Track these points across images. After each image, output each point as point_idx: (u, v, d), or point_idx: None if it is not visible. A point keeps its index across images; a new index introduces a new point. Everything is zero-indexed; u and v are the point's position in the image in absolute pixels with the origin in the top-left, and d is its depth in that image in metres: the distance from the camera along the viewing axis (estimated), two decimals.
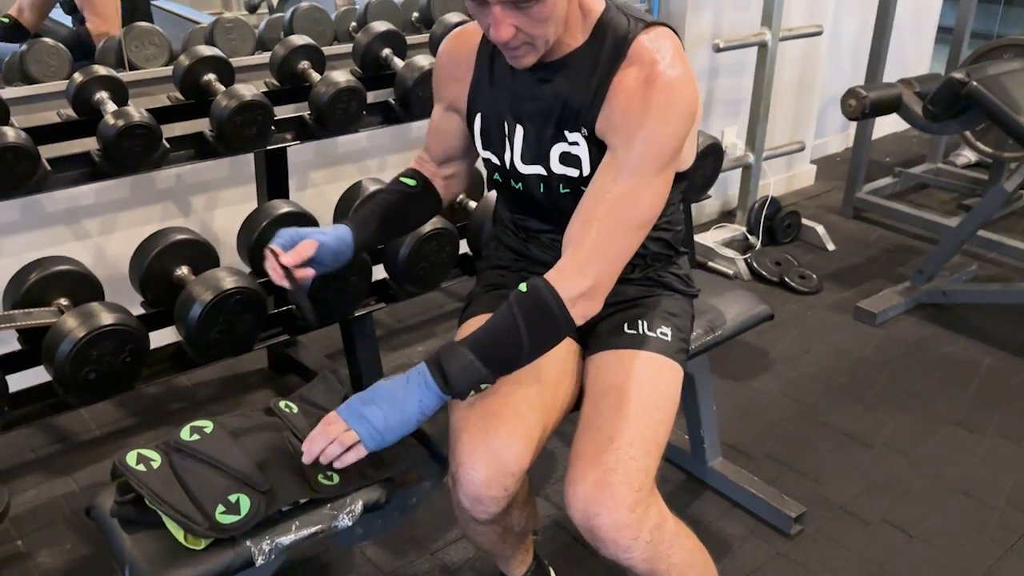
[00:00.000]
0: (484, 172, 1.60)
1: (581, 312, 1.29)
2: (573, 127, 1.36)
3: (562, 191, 1.42)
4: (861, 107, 2.80)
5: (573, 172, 1.39)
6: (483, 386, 1.28)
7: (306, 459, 1.26)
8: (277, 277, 1.40)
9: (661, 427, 1.41)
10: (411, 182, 1.59)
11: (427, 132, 1.62)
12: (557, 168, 1.40)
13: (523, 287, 1.28)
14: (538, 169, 1.42)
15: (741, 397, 2.52)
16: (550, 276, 1.28)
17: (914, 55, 4.56)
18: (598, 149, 1.35)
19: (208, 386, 2.57)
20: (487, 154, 1.49)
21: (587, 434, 1.37)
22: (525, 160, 1.43)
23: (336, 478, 1.34)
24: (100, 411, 2.42)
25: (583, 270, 1.28)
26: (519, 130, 1.42)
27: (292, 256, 1.40)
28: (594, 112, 1.32)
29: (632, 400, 1.38)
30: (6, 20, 2.51)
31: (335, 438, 1.24)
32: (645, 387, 1.41)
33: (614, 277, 1.32)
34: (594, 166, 1.35)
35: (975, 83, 2.63)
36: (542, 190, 1.44)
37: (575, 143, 1.37)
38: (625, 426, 1.35)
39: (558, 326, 1.27)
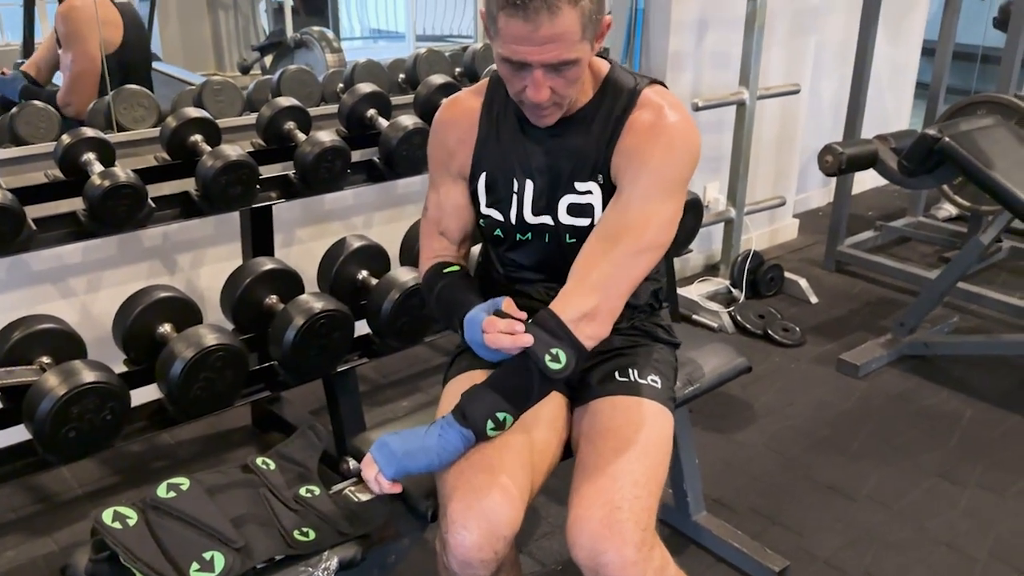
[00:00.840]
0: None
1: (586, 333, 1.33)
2: (586, 177, 1.42)
3: (568, 240, 1.46)
4: (838, 163, 2.85)
5: (583, 222, 1.44)
6: (501, 415, 1.33)
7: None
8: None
9: (659, 468, 1.42)
10: (455, 268, 1.53)
11: (435, 217, 1.57)
12: (564, 219, 1.45)
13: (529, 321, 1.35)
14: (546, 220, 1.47)
15: (725, 450, 2.52)
16: (553, 304, 1.35)
17: (893, 111, 4.66)
18: (611, 196, 1.41)
19: (191, 444, 2.56)
20: (489, 211, 1.51)
21: (589, 475, 1.38)
22: (535, 212, 1.47)
23: (312, 534, 1.34)
24: (81, 470, 2.41)
25: (586, 294, 1.34)
26: (528, 184, 1.46)
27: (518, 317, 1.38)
28: (608, 157, 1.40)
29: (632, 442, 1.40)
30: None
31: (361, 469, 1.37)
32: (642, 430, 1.43)
33: (622, 300, 1.37)
34: None
35: (947, 139, 2.69)
36: (548, 240, 1.48)
37: (587, 192, 1.43)
38: (628, 466, 1.36)
39: (560, 347, 1.32)
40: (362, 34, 6.22)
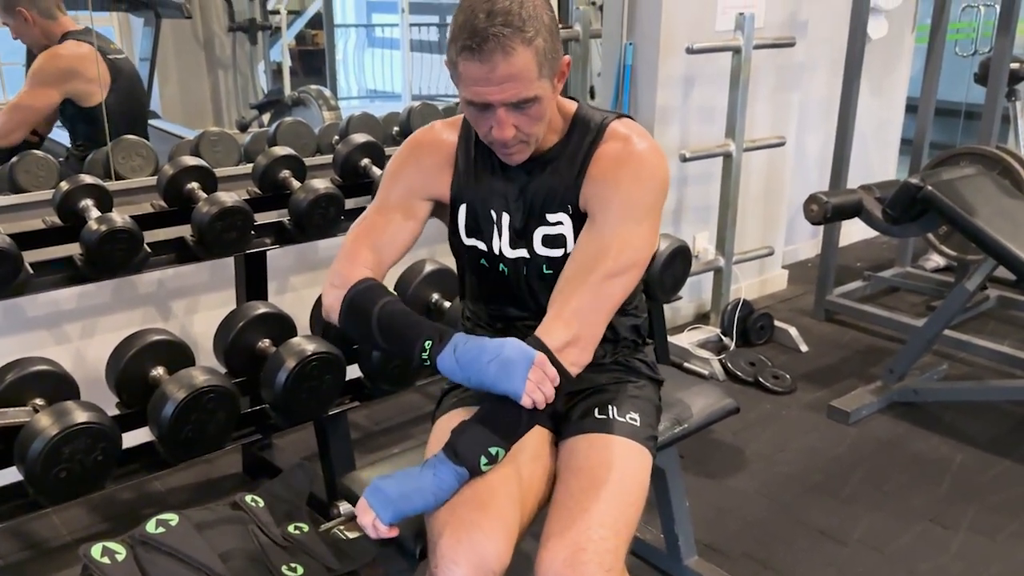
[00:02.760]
0: (455, 268, 1.65)
1: (571, 360, 1.36)
2: (555, 208, 1.46)
3: (546, 271, 1.49)
4: (823, 211, 2.91)
5: (557, 252, 1.48)
6: (493, 450, 1.34)
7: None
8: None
9: (631, 509, 1.42)
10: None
11: (372, 230, 1.51)
12: (540, 250, 1.49)
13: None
14: (522, 252, 1.50)
15: (716, 495, 2.52)
16: (537, 331, 1.37)
17: (879, 166, 4.74)
18: (582, 225, 1.45)
19: (181, 491, 2.55)
20: (472, 241, 1.54)
21: (557, 514, 1.39)
22: (512, 245, 1.50)
23: (300, 570, 1.34)
24: (71, 516, 2.40)
25: (568, 321, 1.37)
26: (505, 217, 1.49)
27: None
28: (578, 187, 1.44)
29: (601, 482, 1.41)
30: None
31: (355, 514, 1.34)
32: (614, 470, 1.44)
33: (601, 327, 1.40)
34: None
35: (929, 187, 2.75)
36: (526, 272, 1.51)
37: (558, 223, 1.47)
38: (594, 506, 1.37)
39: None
40: (359, 94, 6.35)
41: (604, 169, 1.42)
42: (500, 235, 1.51)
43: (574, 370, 1.37)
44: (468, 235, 1.54)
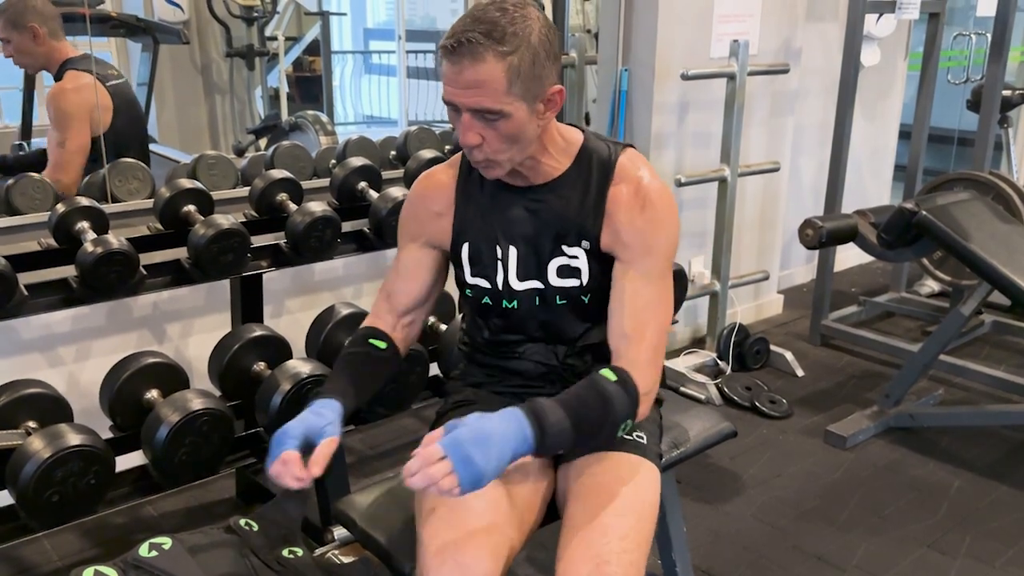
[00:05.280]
0: (455, 293, 1.65)
1: (643, 410, 1.40)
2: (573, 242, 1.47)
3: (559, 302, 1.50)
4: (818, 236, 2.92)
5: (573, 283, 1.48)
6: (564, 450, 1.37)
7: (408, 480, 1.20)
8: (296, 482, 1.28)
9: (647, 524, 1.41)
10: (381, 344, 1.53)
11: (388, 281, 1.60)
12: (555, 281, 1.49)
13: (610, 374, 1.36)
14: (535, 284, 1.50)
15: (713, 521, 2.51)
16: (625, 364, 1.39)
17: (873, 192, 4.77)
18: (598, 261, 1.47)
19: (174, 516, 2.53)
20: (476, 280, 1.53)
21: (575, 530, 1.37)
22: (520, 277, 1.50)
23: None
24: (63, 542, 2.37)
25: (647, 367, 1.40)
26: (512, 251, 1.49)
27: (319, 464, 1.31)
28: (596, 229, 1.45)
29: (619, 497, 1.40)
30: None
31: (437, 482, 1.19)
32: (629, 485, 1.43)
33: (659, 381, 1.44)
34: (592, 275, 1.48)
35: (924, 212, 2.76)
36: (538, 303, 1.50)
37: (575, 256, 1.48)
38: (615, 521, 1.36)
39: (632, 417, 1.38)
40: (356, 120, 6.39)
41: (629, 215, 1.44)
42: (507, 269, 1.50)
43: (642, 418, 1.42)
44: (472, 274, 1.53)
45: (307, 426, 1.34)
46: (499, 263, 1.50)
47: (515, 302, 1.51)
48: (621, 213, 1.44)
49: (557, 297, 1.49)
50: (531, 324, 1.54)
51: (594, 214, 1.45)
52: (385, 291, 1.60)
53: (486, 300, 1.54)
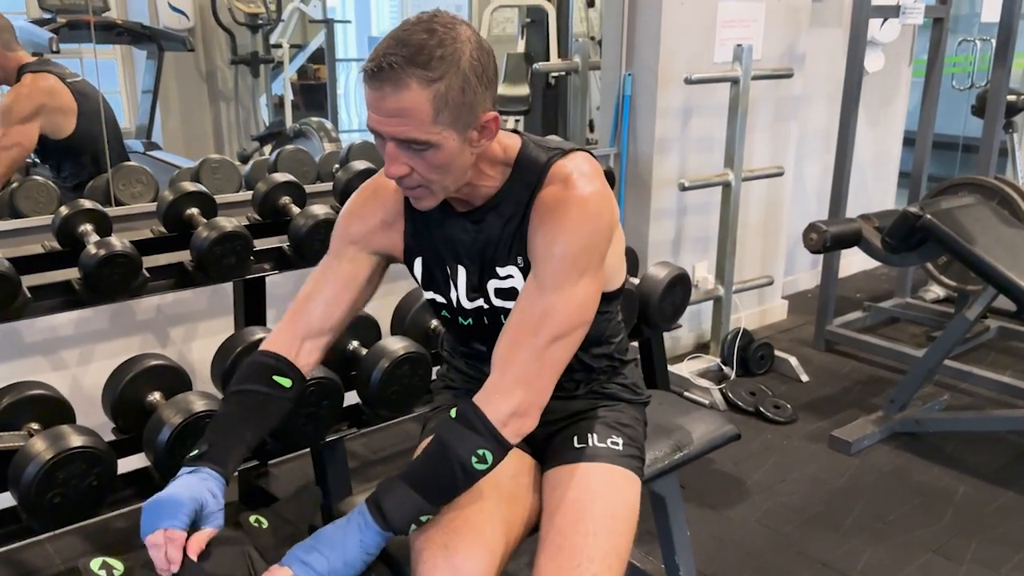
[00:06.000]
0: None
1: (513, 431, 1.29)
2: (504, 262, 1.39)
3: (503, 321, 1.41)
4: (822, 240, 2.91)
5: (511, 304, 1.39)
6: (424, 518, 1.29)
7: None
8: (165, 565, 1.22)
9: (622, 539, 1.39)
10: (286, 383, 1.42)
11: (303, 295, 1.48)
12: (496, 302, 1.43)
13: (452, 413, 1.30)
14: (480, 303, 1.45)
15: (717, 526, 2.49)
16: (478, 399, 1.29)
17: (878, 199, 4.76)
18: None
19: None
20: (431, 295, 1.49)
21: (547, 552, 1.36)
22: (469, 297, 1.45)
23: None
24: (65, 545, 2.37)
25: (511, 390, 1.29)
26: (460, 270, 1.43)
27: (196, 545, 1.26)
28: (523, 239, 1.35)
29: (589, 514, 1.38)
30: None
31: None
32: (600, 500, 1.40)
33: (547, 392, 1.32)
34: None
35: (929, 216, 2.76)
36: (487, 322, 1.46)
37: (508, 276, 1.40)
38: (584, 542, 1.34)
39: (486, 447, 1.27)
40: (360, 127, 6.40)
41: (543, 216, 1.31)
42: (456, 287, 1.45)
43: (515, 440, 1.30)
44: (426, 288, 1.49)
45: (199, 505, 1.27)
46: (450, 280, 1.45)
47: (469, 320, 1.47)
48: (538, 215, 1.32)
49: (502, 316, 1.41)
50: (487, 339, 1.46)
51: (520, 223, 1.34)
52: (296, 310, 1.46)
53: (444, 313, 1.50)
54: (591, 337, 1.42)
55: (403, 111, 1.18)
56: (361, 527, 1.27)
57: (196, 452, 1.34)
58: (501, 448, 1.29)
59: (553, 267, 1.30)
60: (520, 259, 1.37)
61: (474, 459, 1.27)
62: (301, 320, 1.46)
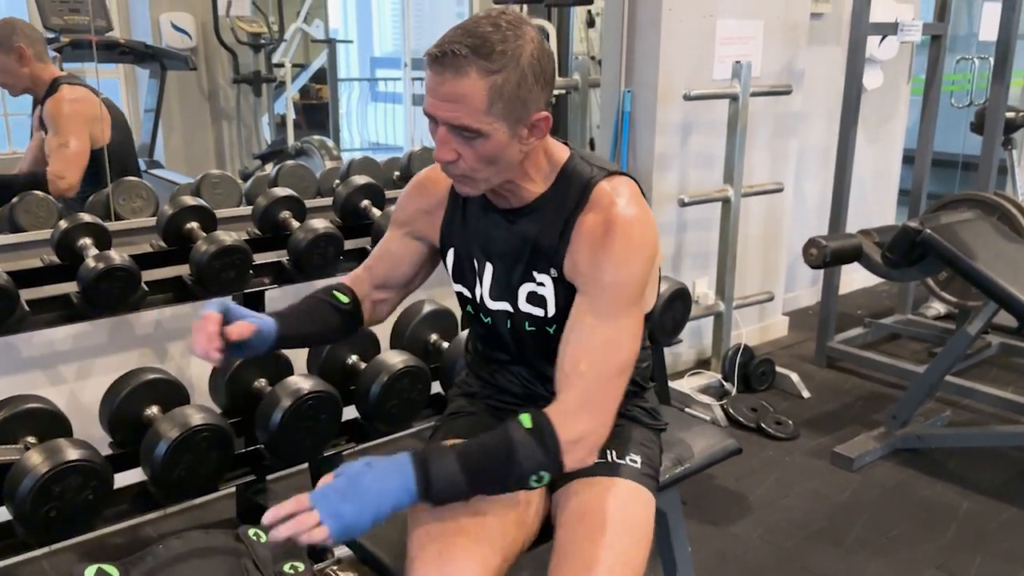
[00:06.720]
0: (458, 311, 1.64)
1: (574, 460, 1.28)
2: (542, 268, 1.41)
3: (527, 328, 1.45)
4: (822, 255, 2.91)
5: (539, 311, 1.43)
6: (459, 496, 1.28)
7: (271, 532, 1.19)
8: (211, 348, 1.30)
9: (637, 551, 1.39)
10: (344, 299, 1.53)
11: (373, 253, 1.62)
12: (524, 307, 1.44)
13: (527, 420, 1.27)
14: (505, 306, 1.46)
15: (720, 542, 2.47)
16: (552, 416, 1.28)
17: (878, 216, 4.76)
18: (564, 290, 1.39)
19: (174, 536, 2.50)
20: (459, 287, 1.52)
21: (564, 562, 1.35)
22: (493, 296, 1.47)
23: None
24: (61, 561, 2.35)
25: (579, 413, 1.28)
26: (488, 267, 1.46)
27: (236, 330, 1.34)
28: (561, 254, 1.37)
29: (607, 525, 1.37)
30: None
31: (304, 531, 1.17)
32: (618, 512, 1.40)
33: (608, 427, 1.32)
34: (559, 306, 1.40)
35: (929, 231, 2.75)
36: (508, 326, 1.47)
37: (542, 283, 1.42)
38: (602, 552, 1.34)
39: (547, 468, 1.27)
40: (361, 146, 6.43)
41: (591, 245, 1.34)
42: (482, 285, 1.47)
43: (573, 467, 1.29)
44: (455, 280, 1.52)
45: (232, 310, 1.37)
46: (477, 277, 1.48)
47: (489, 319, 1.49)
48: (583, 241, 1.35)
49: (526, 323, 1.44)
50: (505, 344, 1.51)
51: (561, 240, 1.37)
52: (367, 263, 1.60)
53: (469, 308, 1.53)
54: None
55: (459, 96, 1.23)
56: (400, 490, 1.22)
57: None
58: (558, 473, 1.28)
59: (607, 298, 1.32)
60: (555, 271, 1.39)
61: (533, 477, 1.27)
62: (370, 271, 1.59)
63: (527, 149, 1.32)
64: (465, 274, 1.50)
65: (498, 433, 1.27)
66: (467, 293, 1.51)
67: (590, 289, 1.34)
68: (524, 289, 1.43)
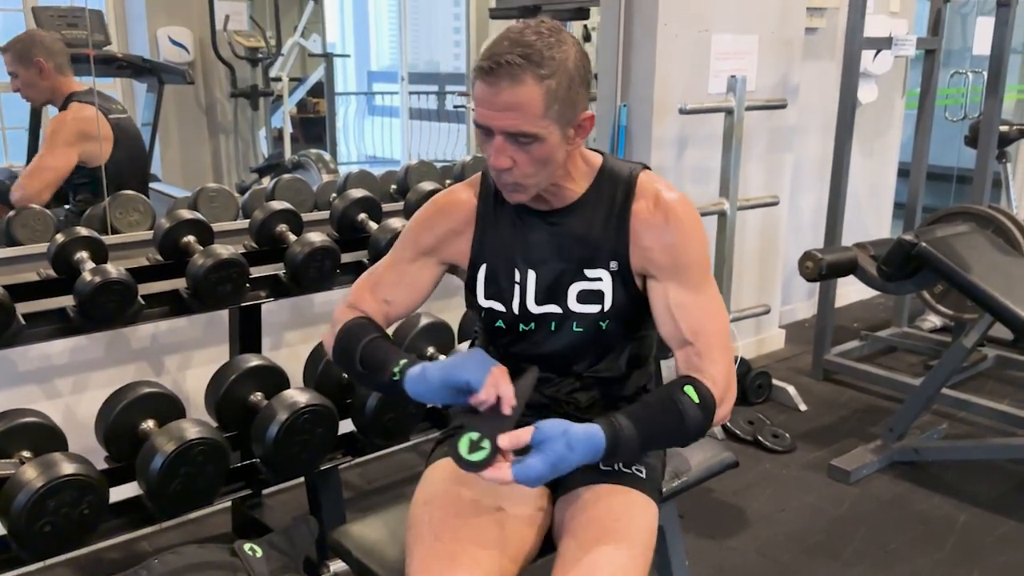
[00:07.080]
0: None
1: (721, 418, 1.40)
2: (598, 263, 1.44)
3: (575, 329, 1.46)
4: (818, 268, 2.92)
5: (593, 308, 1.45)
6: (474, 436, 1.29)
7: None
8: (506, 396, 1.29)
9: (642, 560, 1.39)
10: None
11: (386, 277, 1.56)
12: (575, 307, 1.46)
13: (693, 394, 1.34)
14: (553, 308, 1.47)
15: (717, 556, 2.47)
16: (711, 386, 1.36)
17: (873, 229, 4.77)
18: (624, 284, 1.44)
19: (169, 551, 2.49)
20: (489, 303, 1.50)
21: (568, 568, 1.35)
22: (539, 301, 1.47)
23: None
24: None
25: (727, 384, 1.39)
26: (531, 274, 1.47)
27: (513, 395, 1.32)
28: (623, 248, 1.44)
29: (612, 532, 1.38)
30: None
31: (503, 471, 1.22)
32: (623, 520, 1.41)
33: (734, 390, 1.43)
34: (616, 300, 1.44)
35: (924, 244, 2.76)
36: (554, 328, 1.48)
37: (597, 279, 1.45)
38: (606, 559, 1.34)
39: (704, 434, 1.38)
40: (359, 160, 6.45)
41: (657, 231, 1.42)
42: (525, 293, 1.48)
43: (717, 425, 1.43)
44: (486, 297, 1.51)
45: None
46: (516, 286, 1.48)
47: (532, 324, 1.49)
48: (646, 231, 1.42)
49: (575, 324, 1.46)
50: (543, 351, 1.50)
51: (618, 233, 1.43)
52: (378, 288, 1.54)
53: (499, 323, 1.52)
54: (641, 357, 1.55)
55: (518, 104, 1.27)
56: (590, 458, 1.27)
57: (398, 367, 1.37)
58: (703, 433, 1.38)
59: (692, 270, 1.42)
60: (615, 263, 1.44)
61: (693, 442, 1.40)
62: (375, 294, 1.54)
63: (572, 149, 1.38)
64: (500, 287, 1.50)
65: (671, 408, 1.33)
66: (499, 307, 1.50)
67: (672, 271, 1.42)
68: (575, 288, 1.46)
